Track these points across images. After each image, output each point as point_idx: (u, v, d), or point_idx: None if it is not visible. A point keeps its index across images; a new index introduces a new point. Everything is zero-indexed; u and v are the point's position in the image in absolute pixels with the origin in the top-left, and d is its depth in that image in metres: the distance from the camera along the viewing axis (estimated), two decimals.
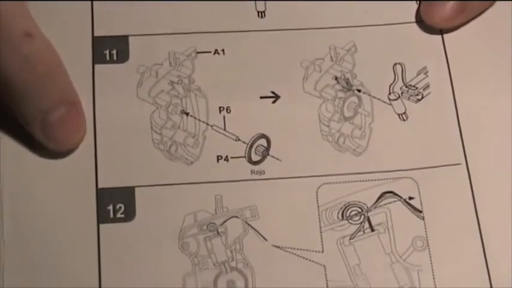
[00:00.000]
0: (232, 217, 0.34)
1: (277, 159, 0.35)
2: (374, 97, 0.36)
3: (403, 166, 0.35)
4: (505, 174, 0.35)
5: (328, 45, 0.37)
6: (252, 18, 0.38)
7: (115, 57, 0.36)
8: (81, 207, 0.33)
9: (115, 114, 0.35)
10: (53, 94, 0.33)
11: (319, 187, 0.35)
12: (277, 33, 0.37)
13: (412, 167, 0.35)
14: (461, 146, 0.35)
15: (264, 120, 0.36)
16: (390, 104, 0.36)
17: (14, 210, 0.33)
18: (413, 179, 0.35)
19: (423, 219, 0.34)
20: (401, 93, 0.37)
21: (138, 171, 0.34)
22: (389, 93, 0.36)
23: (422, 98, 0.37)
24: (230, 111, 0.35)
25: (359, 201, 0.35)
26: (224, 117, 0.35)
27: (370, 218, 0.34)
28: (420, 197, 0.34)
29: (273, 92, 0.36)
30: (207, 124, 0.35)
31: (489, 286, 0.33)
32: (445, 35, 0.38)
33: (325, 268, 0.33)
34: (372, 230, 0.34)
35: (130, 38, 0.36)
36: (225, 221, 0.34)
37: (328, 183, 0.35)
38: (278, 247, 0.34)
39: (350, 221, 0.34)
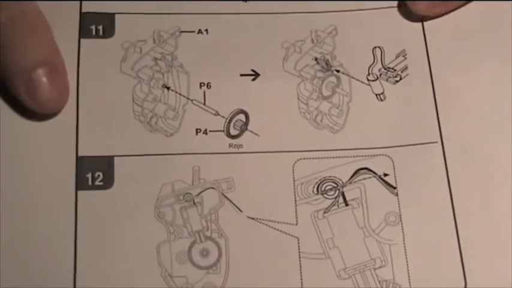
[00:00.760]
0: (208, 188, 0.34)
1: (256, 134, 0.36)
2: (353, 78, 0.37)
3: (379, 144, 0.36)
4: (478, 154, 0.35)
5: (310, 28, 0.38)
6: (236, 2, 0.38)
7: (101, 33, 0.37)
8: (61, 173, 0.34)
9: (98, 86, 0.36)
10: (37, 52, 0.34)
11: (296, 162, 0.35)
12: (261, 16, 0.38)
13: (388, 145, 0.36)
14: (437, 125, 0.36)
15: (243, 97, 0.36)
16: (369, 85, 0.37)
17: None
18: (388, 156, 0.35)
19: (397, 195, 0.35)
20: (380, 74, 0.37)
21: (118, 141, 0.35)
22: (368, 75, 0.37)
23: (401, 79, 0.37)
24: (210, 87, 0.36)
25: (334, 177, 0.35)
26: (204, 92, 0.36)
27: (345, 193, 0.35)
28: (395, 174, 0.35)
29: (253, 70, 0.37)
30: (188, 98, 0.36)
31: (459, 259, 0.33)
32: (424, 21, 0.39)
33: (298, 240, 0.34)
34: (346, 205, 0.34)
35: (116, 16, 0.37)
36: (201, 192, 0.34)
37: (304, 158, 0.35)
38: (253, 218, 0.34)
39: (325, 195, 0.35)
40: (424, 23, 0.38)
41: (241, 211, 0.34)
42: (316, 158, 0.35)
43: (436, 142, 0.36)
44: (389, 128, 0.36)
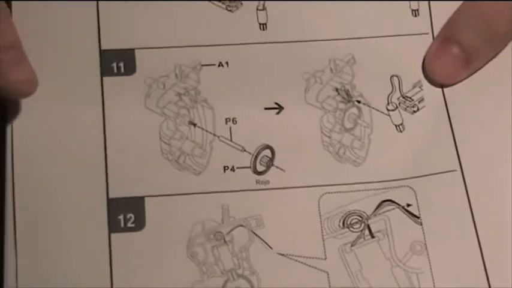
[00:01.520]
0: (238, 226, 0.35)
1: (281, 169, 0.36)
2: (373, 108, 0.38)
3: (401, 175, 0.37)
4: (498, 178, 0.36)
5: (328, 57, 0.39)
6: (254, 30, 0.39)
7: (122, 70, 0.37)
8: (93, 216, 0.34)
9: (124, 125, 0.36)
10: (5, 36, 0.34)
11: (321, 196, 0.36)
12: (279, 46, 0.38)
13: (409, 176, 0.37)
14: (455, 154, 0.37)
15: (268, 131, 0.37)
16: (388, 115, 0.38)
17: (28, 219, 0.34)
18: (410, 187, 0.36)
19: (421, 224, 0.36)
20: (399, 103, 0.38)
21: (147, 181, 0.35)
22: (388, 104, 0.38)
23: (418, 110, 0.38)
24: (236, 122, 0.37)
25: (359, 210, 0.36)
26: (230, 128, 0.37)
27: (370, 225, 0.36)
28: (418, 204, 0.36)
29: (276, 103, 0.37)
30: (214, 135, 0.36)
31: (487, 285, 0.34)
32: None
33: (328, 274, 0.35)
34: (372, 237, 0.36)
35: (136, 51, 0.37)
36: (231, 230, 0.35)
37: (329, 192, 0.36)
38: (283, 255, 0.35)
39: (351, 228, 0.36)
40: None
41: (271, 248, 0.35)
42: (340, 192, 0.36)
43: (455, 170, 0.37)
44: (409, 159, 0.37)
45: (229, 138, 0.36)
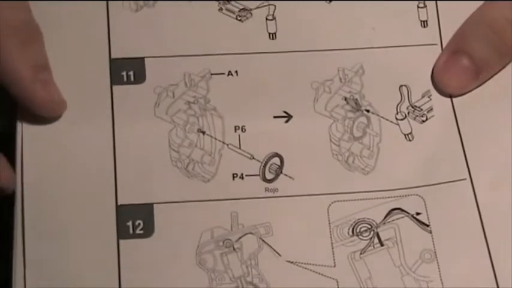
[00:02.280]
0: (247, 233, 0.35)
1: (290, 177, 0.36)
2: (382, 117, 0.38)
3: (410, 184, 0.37)
4: (507, 187, 0.36)
5: (337, 66, 0.39)
6: (264, 40, 0.39)
7: (132, 78, 0.37)
8: (102, 223, 0.34)
9: (134, 133, 0.36)
10: (36, 59, 0.35)
11: (330, 205, 0.36)
12: (288, 55, 0.39)
13: (418, 185, 0.37)
14: (464, 163, 0.37)
15: (277, 139, 0.37)
16: (397, 124, 0.38)
17: (35, 224, 0.34)
18: (419, 196, 0.36)
19: (430, 232, 0.36)
20: (408, 113, 0.38)
21: (156, 188, 0.35)
22: (397, 113, 0.38)
23: (427, 119, 0.38)
24: (245, 130, 0.37)
25: (368, 218, 0.36)
26: (239, 136, 0.37)
27: (380, 233, 0.36)
28: (427, 213, 0.36)
29: (285, 112, 0.37)
30: (223, 143, 0.36)
31: None
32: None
33: (337, 282, 0.34)
34: (382, 245, 0.35)
35: (146, 60, 0.38)
36: (240, 237, 0.35)
37: (338, 201, 0.36)
38: (292, 262, 0.35)
39: (360, 236, 0.36)
40: None
41: (280, 255, 0.35)
42: (349, 200, 0.36)
43: (464, 179, 0.37)
44: (418, 167, 0.37)
45: (238, 146, 0.37)
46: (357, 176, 0.37)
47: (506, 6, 0.38)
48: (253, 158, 0.36)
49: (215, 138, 0.36)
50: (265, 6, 0.40)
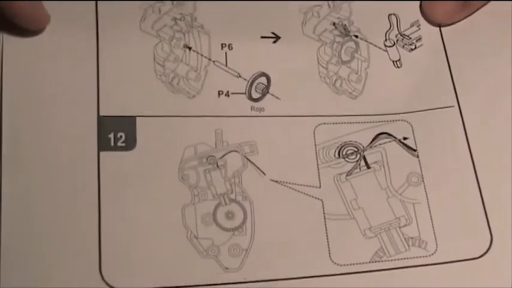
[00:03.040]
0: (231, 151, 0.34)
1: (277, 97, 0.36)
2: (371, 43, 0.37)
3: (397, 110, 0.36)
4: (495, 113, 0.36)
5: None
6: None
7: None
8: (82, 134, 0.33)
9: (118, 46, 0.35)
10: None
11: (317, 127, 0.35)
12: None
13: (406, 111, 0.36)
14: (453, 90, 0.37)
15: (264, 59, 0.36)
16: (386, 51, 0.37)
17: (13, 134, 0.32)
18: (407, 122, 0.36)
19: (418, 157, 0.35)
20: (397, 40, 0.38)
21: (140, 101, 0.34)
22: (386, 40, 0.38)
23: (416, 48, 0.38)
24: (232, 48, 0.36)
25: (355, 141, 0.35)
26: (226, 53, 0.36)
27: (366, 156, 0.35)
28: (414, 138, 0.36)
29: (273, 33, 0.37)
30: (209, 59, 0.36)
31: (484, 214, 0.34)
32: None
33: (322, 202, 0.34)
34: (368, 168, 0.35)
35: None
36: (224, 155, 0.34)
37: (325, 123, 0.36)
38: (276, 181, 0.34)
39: (346, 159, 0.35)
40: None
41: (264, 174, 0.34)
42: (336, 123, 0.36)
43: (453, 106, 0.37)
44: (406, 94, 0.37)
45: (224, 63, 0.36)
46: (344, 100, 0.36)
47: None
48: (240, 76, 0.36)
49: (201, 55, 0.36)
50: None
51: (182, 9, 0.36)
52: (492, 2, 0.38)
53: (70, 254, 0.31)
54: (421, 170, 0.35)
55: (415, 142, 0.35)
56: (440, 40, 0.38)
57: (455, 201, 0.34)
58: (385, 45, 0.37)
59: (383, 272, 0.33)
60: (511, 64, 0.37)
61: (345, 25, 0.38)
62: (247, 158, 0.34)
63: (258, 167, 0.34)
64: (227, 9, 0.37)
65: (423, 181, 0.35)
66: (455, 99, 0.36)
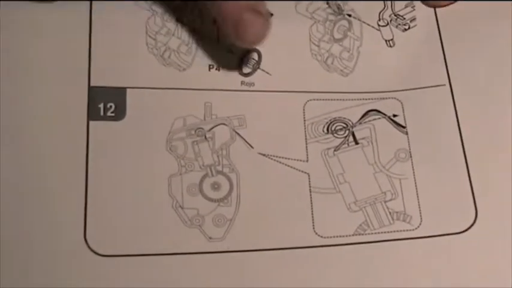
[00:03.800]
0: (220, 124, 0.35)
1: (267, 73, 0.36)
2: (364, 22, 0.38)
3: (388, 88, 0.36)
4: (487, 93, 0.36)
5: None
6: None
7: None
8: (72, 103, 0.33)
9: (111, 17, 0.35)
10: None
11: (307, 102, 0.36)
12: None
13: (396, 89, 0.36)
14: (445, 69, 0.36)
15: None
16: (379, 30, 0.37)
17: (4, 102, 0.33)
18: (397, 99, 0.36)
19: (406, 134, 0.35)
20: (390, 20, 0.38)
21: (130, 73, 0.35)
22: (379, 20, 0.38)
23: (409, 28, 0.38)
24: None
25: (344, 118, 0.36)
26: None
27: (355, 132, 0.35)
28: (404, 115, 0.36)
29: None
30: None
31: (470, 190, 0.34)
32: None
33: (309, 176, 0.34)
34: (356, 143, 0.35)
35: None
36: (213, 127, 0.35)
37: (315, 99, 0.36)
38: (264, 155, 0.34)
39: (335, 134, 0.35)
40: None
41: (252, 147, 0.34)
42: (326, 99, 0.36)
43: (444, 85, 0.36)
44: (397, 73, 0.37)
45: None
46: (335, 77, 0.36)
47: None
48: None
49: (193, 29, 0.36)
50: None
51: None
52: None
53: (55, 221, 0.32)
54: (409, 147, 0.35)
55: (405, 119, 0.35)
56: (435, 21, 0.38)
57: (442, 177, 0.34)
58: (379, 25, 0.37)
59: (366, 244, 0.33)
60: (504, 45, 0.37)
61: (339, 4, 0.38)
62: (236, 131, 0.35)
63: (245, 140, 0.34)
64: None
65: (411, 157, 0.35)
66: (447, 78, 0.36)
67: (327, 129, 0.35)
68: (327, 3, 0.37)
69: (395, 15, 0.38)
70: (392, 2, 0.38)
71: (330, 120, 0.35)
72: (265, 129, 0.35)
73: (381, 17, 0.38)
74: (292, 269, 0.32)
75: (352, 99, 0.36)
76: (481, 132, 0.35)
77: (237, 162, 0.34)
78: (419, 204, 0.34)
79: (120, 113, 0.34)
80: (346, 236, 0.33)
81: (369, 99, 0.36)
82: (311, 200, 0.33)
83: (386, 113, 0.35)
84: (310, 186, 0.34)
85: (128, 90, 0.34)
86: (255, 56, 0.36)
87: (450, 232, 0.33)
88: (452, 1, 0.38)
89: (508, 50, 0.37)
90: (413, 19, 0.38)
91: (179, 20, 0.36)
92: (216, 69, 0.35)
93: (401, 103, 0.36)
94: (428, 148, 0.35)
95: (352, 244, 0.33)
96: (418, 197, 0.34)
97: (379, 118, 0.35)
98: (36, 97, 0.33)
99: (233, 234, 0.33)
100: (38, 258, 0.31)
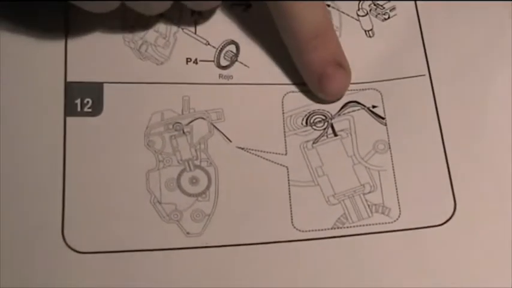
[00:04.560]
0: (198, 118, 0.34)
1: (245, 65, 0.36)
2: (343, 12, 0.37)
3: (367, 79, 0.36)
4: (466, 83, 0.36)
5: None
6: None
7: None
8: (49, 99, 0.33)
9: (86, 12, 0.34)
10: (331, 50, 0.35)
11: (285, 95, 0.35)
12: None
13: (376, 79, 0.36)
14: (424, 60, 0.36)
15: (234, 27, 0.36)
16: (358, 20, 0.37)
17: None
18: (377, 90, 0.36)
19: (386, 125, 0.35)
20: (370, 10, 0.37)
21: (107, 67, 0.34)
22: (358, 9, 0.37)
23: (389, 17, 0.37)
24: (201, 15, 0.36)
25: (323, 110, 0.35)
26: (195, 21, 0.36)
27: (334, 124, 0.35)
28: (384, 106, 0.35)
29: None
30: (178, 26, 0.36)
31: (449, 182, 0.34)
32: None
33: (287, 169, 0.34)
34: (335, 135, 0.35)
35: None
36: (191, 121, 0.34)
37: (293, 91, 0.35)
38: (242, 148, 0.34)
39: (314, 127, 0.35)
40: None
41: (230, 141, 0.34)
42: (305, 91, 0.36)
43: (423, 75, 0.36)
44: (377, 63, 0.36)
45: (193, 31, 0.36)
46: None
47: None
48: (209, 44, 0.36)
49: (171, 22, 0.36)
50: None
51: None
52: None
53: (32, 218, 0.31)
54: (388, 138, 0.34)
55: (384, 110, 0.35)
56: (415, 10, 0.37)
57: (421, 169, 0.34)
58: (358, 15, 0.37)
59: (345, 238, 0.32)
60: (485, 35, 0.37)
61: None
62: (214, 125, 0.34)
63: (224, 134, 0.34)
64: None
65: (390, 149, 0.34)
66: (427, 68, 0.36)
67: (306, 122, 0.35)
68: None
69: (374, 5, 0.37)
70: None
71: (309, 112, 0.35)
72: (244, 122, 0.34)
73: (360, 7, 0.37)
74: (271, 264, 0.32)
75: None
76: (461, 124, 0.35)
77: (215, 156, 0.34)
78: (398, 197, 0.33)
79: (97, 109, 0.34)
80: (325, 229, 0.33)
81: (349, 90, 0.35)
82: (289, 194, 0.33)
83: (365, 104, 0.35)
84: (288, 180, 0.33)
85: (104, 85, 0.34)
86: (233, 48, 0.36)
87: (428, 225, 0.33)
88: None
89: (490, 39, 0.37)
90: (393, 8, 0.38)
91: None
92: (193, 62, 0.35)
93: (381, 94, 0.35)
94: (407, 140, 0.35)
95: (331, 238, 0.32)
96: (396, 189, 0.34)
97: (359, 109, 0.35)
98: (11, 94, 0.33)
99: (211, 229, 0.32)
100: (15, 256, 0.31)
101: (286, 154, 0.34)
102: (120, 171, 0.33)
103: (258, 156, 0.34)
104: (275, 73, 0.36)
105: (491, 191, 0.33)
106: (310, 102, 0.35)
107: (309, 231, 0.33)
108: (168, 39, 0.35)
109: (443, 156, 0.34)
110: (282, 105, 0.35)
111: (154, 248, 0.32)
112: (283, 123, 0.35)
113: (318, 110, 0.35)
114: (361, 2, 0.37)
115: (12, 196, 0.32)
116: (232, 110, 0.35)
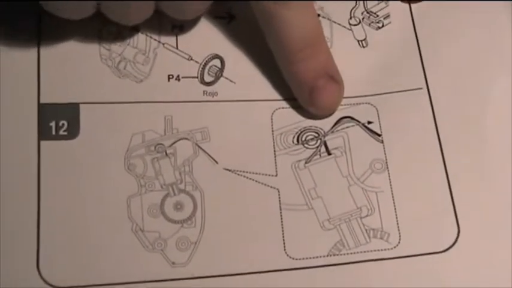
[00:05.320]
0: (182, 139, 0.32)
1: (231, 81, 0.34)
2: (334, 22, 0.35)
3: (362, 92, 0.34)
4: (465, 96, 0.34)
5: None
6: None
7: None
8: (22, 122, 0.31)
9: (61, 27, 0.33)
10: (321, 63, 0.33)
11: (274, 111, 0.33)
12: None
13: (371, 93, 0.34)
14: (422, 72, 0.34)
15: (218, 41, 0.34)
16: (350, 30, 0.35)
17: None
18: (372, 105, 0.34)
19: (382, 142, 0.33)
20: (363, 18, 0.35)
21: (83, 87, 0.32)
22: (350, 18, 0.35)
23: (383, 26, 0.36)
24: (183, 29, 0.34)
25: (315, 126, 0.33)
26: (177, 35, 0.34)
27: (327, 142, 0.33)
28: (379, 122, 0.33)
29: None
30: (159, 42, 0.34)
31: (452, 205, 0.32)
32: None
33: (278, 192, 0.32)
34: (329, 154, 0.33)
35: None
36: (174, 143, 0.32)
37: (283, 107, 0.33)
38: (229, 170, 0.32)
39: (306, 145, 0.33)
40: None
41: (216, 162, 0.32)
42: (295, 107, 0.34)
43: (421, 88, 0.34)
44: (371, 75, 0.34)
45: (175, 45, 0.34)
46: None
47: None
48: (192, 59, 0.33)
49: (150, 37, 0.34)
50: None
51: None
52: None
53: (5, 250, 0.29)
54: (385, 156, 0.32)
55: (380, 126, 0.33)
56: (410, 17, 0.35)
57: (421, 190, 0.32)
58: (350, 24, 0.35)
59: (341, 266, 0.30)
60: (484, 44, 0.35)
61: None
62: (199, 146, 0.32)
63: (210, 155, 0.32)
64: None
65: (387, 168, 0.32)
66: (424, 81, 0.34)
67: (297, 140, 0.33)
68: None
69: (368, 13, 0.35)
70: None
71: (300, 129, 0.33)
72: (231, 142, 0.32)
73: (352, 15, 0.35)
74: None
75: None
76: (462, 141, 0.33)
77: (201, 179, 0.32)
78: (397, 220, 0.31)
79: (73, 131, 0.31)
80: (320, 257, 0.31)
81: (342, 104, 0.33)
82: (281, 219, 0.31)
83: (360, 120, 0.33)
84: (280, 203, 0.31)
85: (81, 105, 0.32)
86: (218, 62, 0.34)
87: (431, 251, 0.31)
88: None
89: (489, 46, 0.35)
90: (387, 16, 0.36)
91: (134, 27, 0.34)
92: (175, 79, 0.33)
93: (376, 109, 0.33)
94: (406, 158, 0.33)
95: (326, 266, 0.30)
96: (396, 212, 0.32)
97: (353, 126, 0.33)
98: None
99: (198, 258, 0.30)
100: None
101: (276, 175, 0.32)
102: (99, 198, 0.31)
103: (247, 178, 0.32)
104: (263, 88, 0.34)
105: (496, 212, 0.31)
106: (302, 118, 0.33)
107: (303, 259, 0.31)
108: (147, 55, 0.33)
109: (445, 176, 0.32)
110: (271, 122, 0.33)
111: (137, 280, 0.30)
112: (273, 142, 0.33)
113: (310, 126, 0.33)
114: (354, 10, 0.35)
115: None
116: (218, 129, 0.33)
